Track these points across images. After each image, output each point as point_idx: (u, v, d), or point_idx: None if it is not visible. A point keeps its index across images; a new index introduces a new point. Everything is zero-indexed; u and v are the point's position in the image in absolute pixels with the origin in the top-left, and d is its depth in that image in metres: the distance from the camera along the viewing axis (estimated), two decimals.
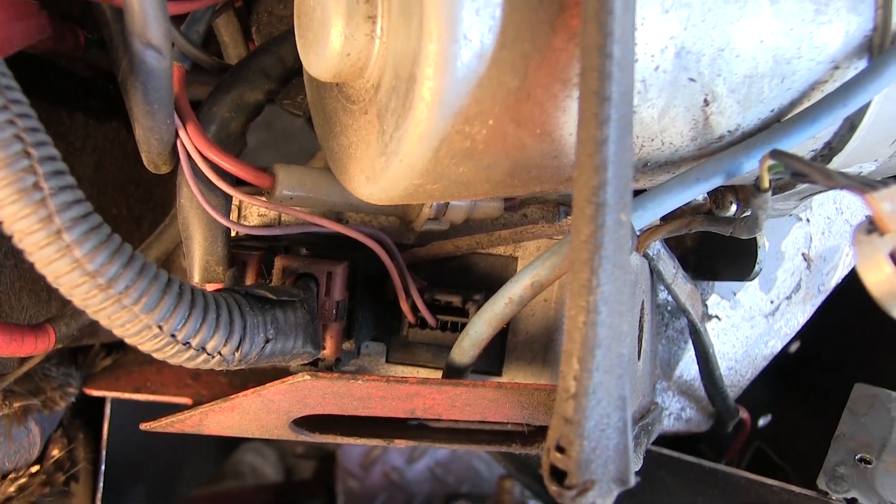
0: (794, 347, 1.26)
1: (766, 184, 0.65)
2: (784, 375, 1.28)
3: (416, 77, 0.54)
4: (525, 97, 0.56)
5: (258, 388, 0.73)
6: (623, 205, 0.51)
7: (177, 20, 0.78)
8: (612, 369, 0.52)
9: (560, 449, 0.53)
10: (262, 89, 0.76)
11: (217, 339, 0.64)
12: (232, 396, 0.75)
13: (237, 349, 0.65)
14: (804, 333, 1.15)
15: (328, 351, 0.79)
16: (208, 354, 0.64)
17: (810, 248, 1.10)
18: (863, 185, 0.57)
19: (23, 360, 0.97)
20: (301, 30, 0.67)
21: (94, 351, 1.14)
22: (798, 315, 1.13)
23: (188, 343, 0.62)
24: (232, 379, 1.14)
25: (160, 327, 0.59)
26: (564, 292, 0.83)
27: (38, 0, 0.77)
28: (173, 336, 0.61)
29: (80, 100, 1.05)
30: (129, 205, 1.14)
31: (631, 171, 0.52)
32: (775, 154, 0.61)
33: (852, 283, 1.10)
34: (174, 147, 0.72)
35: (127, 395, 1.07)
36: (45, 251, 0.54)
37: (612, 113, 0.50)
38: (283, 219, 0.85)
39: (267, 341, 0.68)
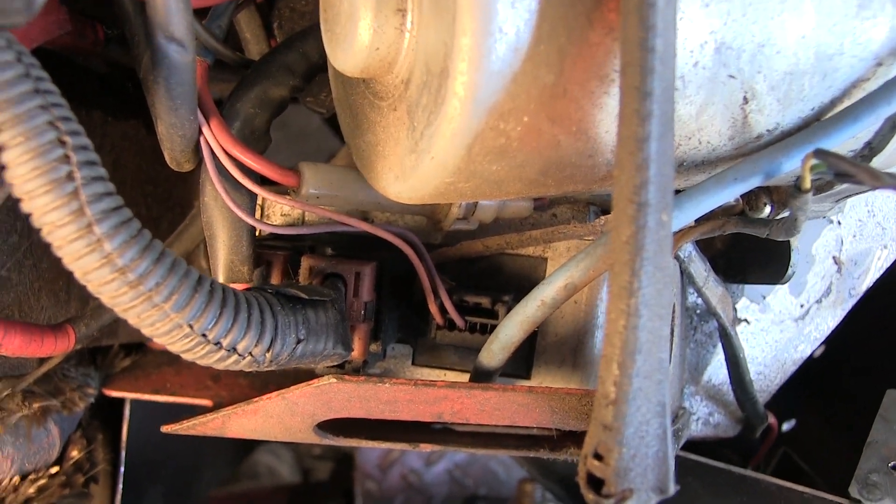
0: (818, 352, 1.24)
1: (807, 184, 0.63)
2: (808, 380, 1.26)
3: (448, 72, 0.52)
4: (561, 93, 0.54)
5: (283, 390, 0.72)
6: (665, 204, 0.49)
7: (199, 15, 0.77)
8: (652, 374, 0.50)
9: (598, 456, 0.51)
10: (286, 85, 0.75)
11: (248, 339, 0.62)
12: (255, 399, 0.74)
13: (268, 350, 0.64)
14: (830, 338, 1.13)
15: (356, 353, 0.77)
16: (239, 355, 0.62)
17: (841, 251, 1.08)
18: None
19: (42, 361, 0.96)
20: (327, 24, 0.65)
21: (113, 352, 1.14)
22: (828, 319, 1.11)
23: (219, 343, 0.60)
24: (252, 381, 1.12)
25: (191, 326, 0.58)
26: (595, 294, 0.82)
27: None
28: (204, 336, 0.59)
29: (97, 97, 1.04)
30: (147, 204, 1.13)
31: (672, 170, 0.50)
32: (819, 154, 0.59)
33: (883, 287, 1.09)
34: (197, 144, 0.70)
35: (146, 397, 1.06)
36: (74, 245, 0.52)
37: (655, 109, 0.48)
38: (307, 218, 0.84)
39: (298, 342, 0.66)
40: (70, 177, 0.51)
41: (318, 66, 0.76)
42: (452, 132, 0.54)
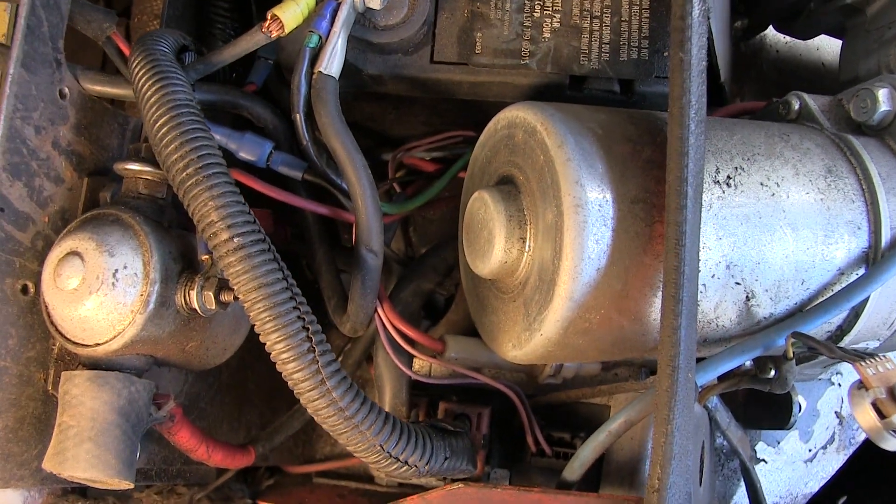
0: None
1: (790, 354, 0.88)
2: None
3: (556, 282, 0.80)
4: (626, 295, 0.81)
5: (422, 493, 0.97)
6: (690, 367, 0.76)
7: None
8: (683, 472, 0.76)
9: None
10: (433, 281, 1.04)
11: (416, 455, 0.86)
12: (400, 501, 1.00)
13: (427, 463, 0.88)
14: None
15: (478, 470, 1.03)
16: (409, 466, 0.86)
17: (842, 408, 1.30)
18: (855, 356, 0.81)
19: (220, 473, 1.21)
20: (468, 240, 0.92)
21: (260, 472, 1.39)
22: (833, 462, 1.31)
23: (398, 458, 0.85)
24: (370, 500, 1.37)
25: (381, 447, 0.83)
26: (646, 433, 1.07)
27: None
28: (389, 453, 0.84)
29: None
30: None
31: (695, 346, 0.77)
32: (796, 335, 0.85)
33: None
34: (371, 318, 0.98)
35: None
36: (317, 402, 0.78)
37: (683, 309, 0.76)
38: (436, 369, 1.12)
39: (445, 459, 0.91)
40: (311, 350, 0.78)
41: (453, 267, 1.06)
42: (556, 319, 0.81)
